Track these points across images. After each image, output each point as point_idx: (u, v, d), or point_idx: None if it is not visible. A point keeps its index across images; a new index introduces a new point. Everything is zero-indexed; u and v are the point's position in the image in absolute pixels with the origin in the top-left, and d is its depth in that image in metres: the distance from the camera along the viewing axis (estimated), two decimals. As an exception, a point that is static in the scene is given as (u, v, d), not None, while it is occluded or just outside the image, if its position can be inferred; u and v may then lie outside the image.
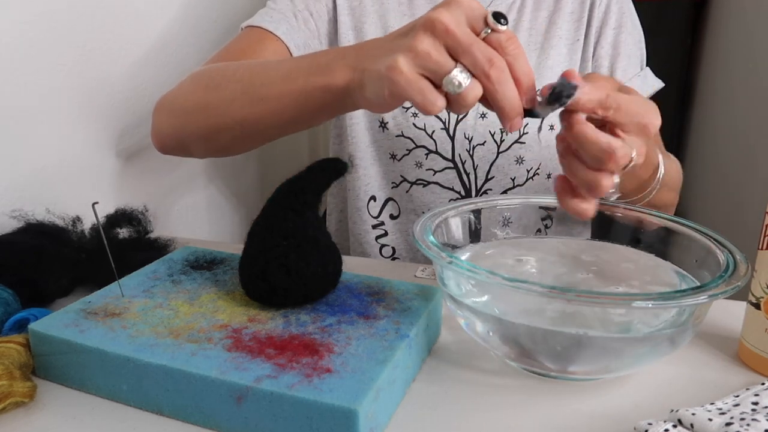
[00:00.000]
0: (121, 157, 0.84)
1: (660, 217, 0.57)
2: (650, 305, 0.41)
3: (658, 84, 0.85)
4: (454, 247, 0.58)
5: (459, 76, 0.43)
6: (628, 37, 0.83)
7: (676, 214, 0.57)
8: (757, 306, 0.49)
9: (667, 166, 0.61)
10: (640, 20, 0.85)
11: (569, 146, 0.46)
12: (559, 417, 0.44)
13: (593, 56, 0.82)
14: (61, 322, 0.48)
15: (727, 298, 0.43)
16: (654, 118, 0.45)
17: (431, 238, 0.50)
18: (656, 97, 0.92)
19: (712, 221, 1.53)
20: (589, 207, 0.46)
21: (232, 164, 1.11)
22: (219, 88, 0.60)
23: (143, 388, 0.44)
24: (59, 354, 0.47)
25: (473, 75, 0.43)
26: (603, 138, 0.43)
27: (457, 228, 0.59)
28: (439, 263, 0.47)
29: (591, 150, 0.43)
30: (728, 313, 0.57)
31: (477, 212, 0.60)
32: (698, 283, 0.50)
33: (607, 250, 0.60)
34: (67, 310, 0.50)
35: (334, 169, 0.51)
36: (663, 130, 0.87)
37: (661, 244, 0.57)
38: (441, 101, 0.44)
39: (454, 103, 0.44)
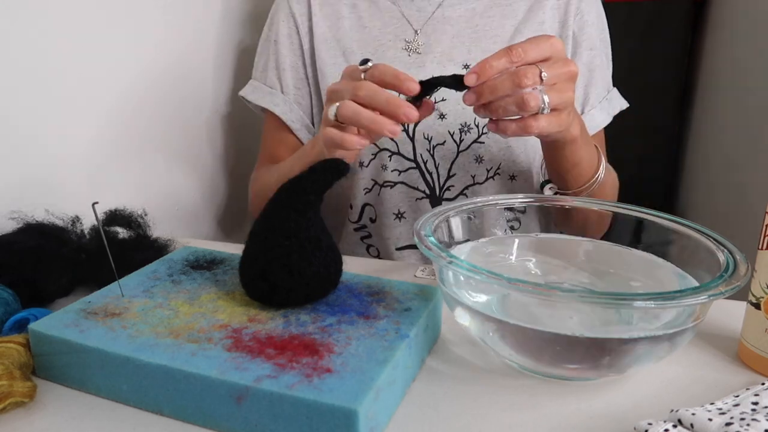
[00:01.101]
0: (121, 157, 0.84)
1: (660, 217, 0.57)
2: (650, 305, 0.41)
3: (623, 104, 0.88)
4: (454, 246, 0.58)
5: (331, 109, 0.58)
6: (602, 58, 0.86)
7: (676, 214, 0.57)
8: (757, 306, 0.49)
9: (607, 170, 0.74)
10: (640, 20, 0.85)
11: (487, 102, 0.57)
12: (559, 417, 0.44)
13: None
14: (61, 322, 0.48)
15: (727, 298, 0.43)
16: (551, 38, 0.57)
17: (431, 238, 0.50)
18: (656, 98, 0.92)
19: (712, 221, 1.53)
20: (528, 122, 0.57)
21: (232, 164, 1.11)
22: (267, 189, 0.80)
23: (143, 388, 0.44)
24: (59, 354, 0.47)
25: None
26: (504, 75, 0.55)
27: (457, 228, 0.59)
28: (439, 263, 0.47)
29: (503, 83, 0.55)
30: (728, 313, 0.57)
31: (477, 212, 0.60)
32: (698, 283, 0.50)
33: (607, 250, 0.60)
34: (67, 310, 0.50)
35: (336, 169, 0.51)
36: (663, 130, 0.87)
37: (661, 244, 0.57)
38: (327, 130, 0.60)
39: (343, 124, 0.58)
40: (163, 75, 0.91)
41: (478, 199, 0.61)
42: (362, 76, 0.58)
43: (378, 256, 0.89)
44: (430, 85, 0.58)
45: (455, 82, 0.57)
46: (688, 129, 1.82)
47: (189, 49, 0.96)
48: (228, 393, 0.41)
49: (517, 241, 0.62)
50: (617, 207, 0.61)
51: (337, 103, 0.58)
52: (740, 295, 0.47)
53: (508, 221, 0.64)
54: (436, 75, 0.58)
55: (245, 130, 1.13)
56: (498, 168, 0.83)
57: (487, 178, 0.83)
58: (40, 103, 0.71)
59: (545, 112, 0.56)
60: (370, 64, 0.58)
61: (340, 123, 0.58)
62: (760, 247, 0.49)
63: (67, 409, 0.45)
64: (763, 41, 1.32)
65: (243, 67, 1.12)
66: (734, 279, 0.44)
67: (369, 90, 0.56)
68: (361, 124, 0.57)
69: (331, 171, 0.51)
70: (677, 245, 0.55)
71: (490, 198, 0.61)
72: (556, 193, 0.73)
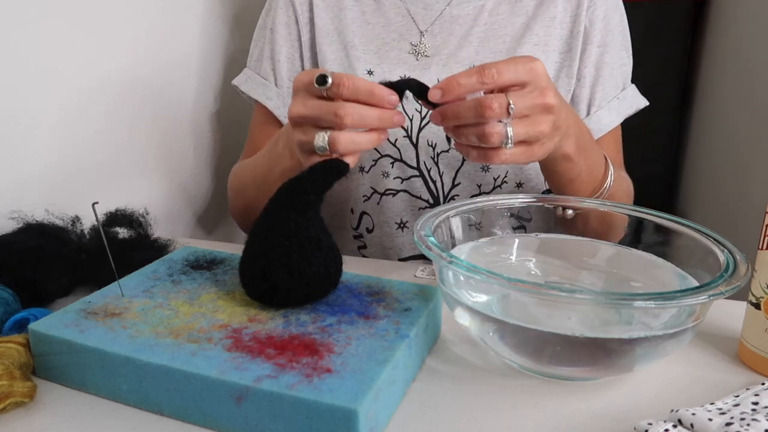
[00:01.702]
0: (121, 157, 0.84)
1: (660, 217, 0.57)
2: (650, 305, 0.41)
3: (640, 103, 0.84)
4: (454, 245, 0.58)
5: (318, 140, 0.52)
6: (613, 57, 0.81)
7: (676, 214, 0.57)
8: (757, 306, 0.49)
9: (618, 180, 0.70)
10: (640, 20, 0.84)
11: (450, 126, 0.54)
12: (559, 417, 0.44)
13: (577, 73, 0.80)
14: (61, 322, 0.48)
15: (727, 298, 0.43)
16: (531, 62, 0.53)
17: (431, 238, 0.50)
18: (656, 98, 0.91)
19: (712, 221, 1.53)
20: (488, 153, 0.54)
21: (233, 164, 1.11)
22: (244, 190, 0.82)
23: (143, 388, 0.44)
24: (59, 354, 0.47)
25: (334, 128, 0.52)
26: (469, 99, 0.52)
27: (457, 228, 0.59)
28: (439, 263, 0.47)
29: (467, 112, 0.52)
30: (728, 313, 0.57)
31: (477, 212, 0.60)
32: (698, 283, 0.50)
33: (607, 251, 0.60)
34: (67, 310, 0.50)
35: (336, 169, 0.51)
36: (663, 130, 0.87)
37: (661, 244, 0.57)
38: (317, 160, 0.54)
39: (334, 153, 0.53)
40: (163, 75, 0.90)
41: (479, 200, 0.61)
42: (324, 93, 0.52)
43: None
44: (398, 90, 0.53)
45: (421, 92, 0.54)
46: (688, 129, 1.82)
47: (189, 49, 0.96)
48: (228, 393, 0.41)
49: (517, 241, 0.62)
50: (617, 207, 0.61)
51: (324, 135, 0.52)
52: (740, 295, 0.47)
53: (513, 229, 0.63)
54: (434, 77, 0.56)
55: (246, 129, 1.13)
56: (505, 176, 0.80)
57: (494, 187, 0.80)
58: (40, 103, 0.71)
59: (508, 147, 0.52)
60: (330, 81, 0.51)
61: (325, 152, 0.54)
62: (760, 247, 0.49)
63: (67, 409, 0.45)
64: (764, 41, 1.32)
65: (243, 65, 1.12)
66: (734, 279, 0.44)
67: (356, 116, 0.51)
68: (361, 150, 0.54)
69: (331, 171, 0.51)
70: (677, 245, 0.55)
71: (491, 198, 0.61)
72: (556, 207, 0.68)
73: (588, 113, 0.81)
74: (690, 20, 1.76)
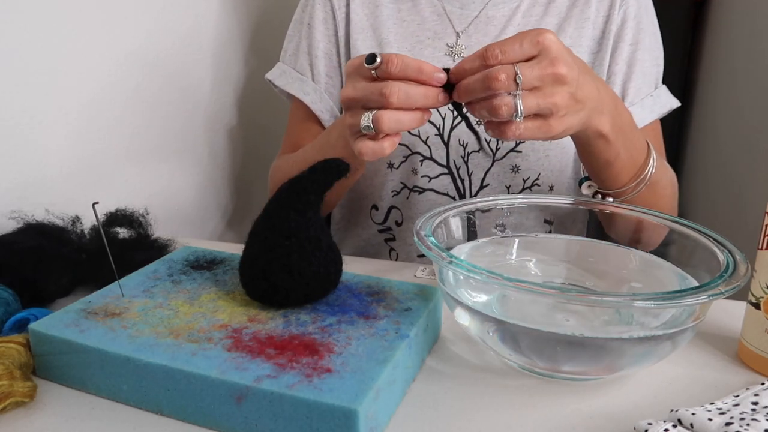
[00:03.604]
0: (121, 157, 0.84)
1: (660, 217, 0.57)
2: (650, 305, 0.41)
3: (673, 103, 0.83)
4: (454, 246, 0.58)
5: (364, 120, 0.52)
6: (645, 54, 0.81)
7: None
8: (757, 306, 0.49)
9: (661, 168, 0.66)
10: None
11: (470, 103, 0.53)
12: (559, 417, 0.44)
13: (608, 71, 0.81)
14: (62, 322, 0.48)
15: (727, 298, 0.43)
16: (539, 34, 0.51)
17: (431, 238, 0.50)
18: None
19: (712, 221, 1.53)
20: (501, 128, 0.52)
21: (232, 164, 1.11)
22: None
23: (143, 388, 0.44)
24: (59, 354, 0.47)
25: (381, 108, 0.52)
26: (479, 73, 0.51)
27: (457, 228, 0.59)
28: (439, 263, 0.47)
29: (476, 84, 0.51)
30: (728, 313, 0.57)
31: (477, 212, 0.60)
32: (698, 283, 0.50)
33: (607, 251, 0.60)
34: (67, 310, 0.50)
35: (337, 169, 0.51)
36: (663, 129, 0.87)
37: (661, 244, 0.57)
38: (362, 145, 0.54)
39: (377, 135, 0.53)
40: (162, 75, 0.90)
41: (478, 199, 0.61)
42: (373, 73, 0.52)
43: (395, 260, 0.87)
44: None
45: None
46: (687, 129, 1.82)
47: (187, 49, 0.96)
48: (228, 393, 0.41)
49: (517, 241, 0.62)
50: (617, 207, 0.61)
51: (369, 115, 0.52)
52: (740, 295, 0.47)
53: (544, 221, 0.62)
54: None
55: (246, 129, 1.13)
56: (537, 179, 0.80)
57: (523, 189, 0.80)
58: (40, 103, 0.71)
59: (518, 119, 0.51)
60: (379, 59, 0.51)
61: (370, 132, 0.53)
62: (760, 247, 0.49)
63: (67, 409, 0.45)
64: (763, 41, 1.32)
65: (244, 65, 1.12)
66: (734, 279, 0.44)
67: (401, 94, 0.51)
68: (405, 129, 0.53)
69: (331, 171, 0.51)
70: (677, 245, 0.55)
71: (491, 198, 0.61)
72: (595, 194, 0.67)
73: None
74: (690, 20, 1.76)
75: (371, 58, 0.51)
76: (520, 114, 0.50)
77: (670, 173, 0.73)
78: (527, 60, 0.50)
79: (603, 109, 0.57)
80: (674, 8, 1.74)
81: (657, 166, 0.65)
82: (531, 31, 0.51)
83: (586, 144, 0.61)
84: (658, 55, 0.84)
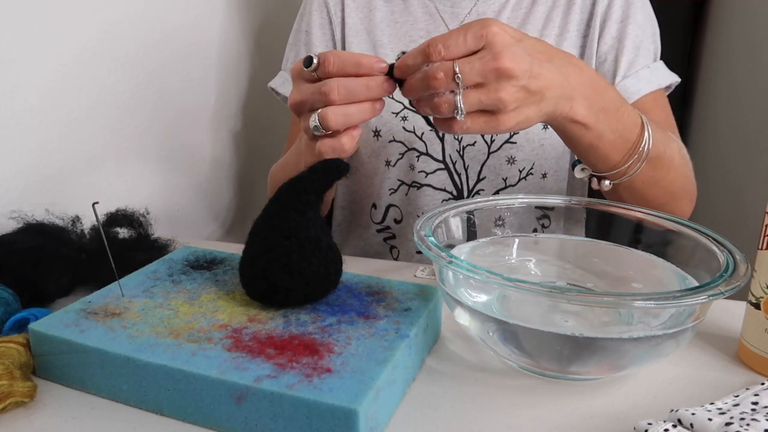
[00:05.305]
0: (121, 157, 0.84)
1: (660, 217, 0.57)
2: (650, 305, 0.41)
3: (672, 78, 0.82)
4: (454, 246, 0.58)
5: (311, 121, 0.51)
6: (637, 29, 0.79)
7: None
8: (757, 306, 0.49)
9: (662, 141, 0.63)
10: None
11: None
12: (559, 417, 0.44)
13: (597, 52, 0.81)
14: (62, 322, 0.48)
15: (727, 298, 0.43)
16: (483, 27, 0.48)
17: (431, 238, 0.50)
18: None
19: (712, 221, 1.53)
20: (447, 124, 0.51)
21: (233, 164, 1.11)
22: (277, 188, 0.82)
23: (143, 388, 0.44)
24: (59, 354, 0.47)
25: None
26: (419, 71, 0.50)
27: (456, 228, 0.59)
28: (439, 263, 0.47)
29: (418, 84, 0.49)
30: (728, 313, 0.57)
31: (477, 212, 0.60)
32: (698, 283, 0.50)
33: (606, 251, 0.60)
34: (67, 310, 0.50)
35: (337, 169, 0.51)
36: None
37: (661, 244, 0.57)
38: (320, 144, 0.53)
39: (326, 132, 0.52)
40: (163, 75, 0.91)
41: (478, 199, 0.61)
42: (314, 75, 0.51)
43: (397, 259, 0.88)
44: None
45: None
46: (687, 128, 1.82)
47: (188, 50, 0.96)
48: (228, 393, 0.41)
49: (517, 241, 0.62)
50: (617, 207, 0.61)
51: (315, 115, 0.51)
52: (740, 295, 0.47)
53: (537, 219, 0.62)
54: None
55: (246, 129, 1.13)
56: (531, 168, 0.80)
57: (519, 179, 0.81)
58: (40, 102, 0.71)
59: (460, 117, 0.49)
60: (315, 61, 0.50)
61: (325, 132, 0.53)
62: (760, 247, 0.49)
63: (67, 409, 0.45)
64: (763, 41, 1.32)
65: (244, 65, 1.12)
66: (734, 279, 0.44)
67: (341, 89, 0.50)
68: (357, 122, 0.52)
69: (331, 171, 0.51)
70: (677, 245, 0.55)
71: (491, 198, 0.61)
72: (591, 177, 0.65)
73: (614, 85, 0.78)
74: (690, 20, 1.76)
75: (308, 61, 0.51)
76: (461, 112, 0.49)
77: (675, 144, 0.68)
78: (474, 53, 0.48)
79: (573, 95, 0.54)
80: (674, 8, 1.73)
81: (657, 138, 0.62)
82: (475, 22, 0.49)
83: (562, 131, 0.59)
84: (654, 32, 0.83)
